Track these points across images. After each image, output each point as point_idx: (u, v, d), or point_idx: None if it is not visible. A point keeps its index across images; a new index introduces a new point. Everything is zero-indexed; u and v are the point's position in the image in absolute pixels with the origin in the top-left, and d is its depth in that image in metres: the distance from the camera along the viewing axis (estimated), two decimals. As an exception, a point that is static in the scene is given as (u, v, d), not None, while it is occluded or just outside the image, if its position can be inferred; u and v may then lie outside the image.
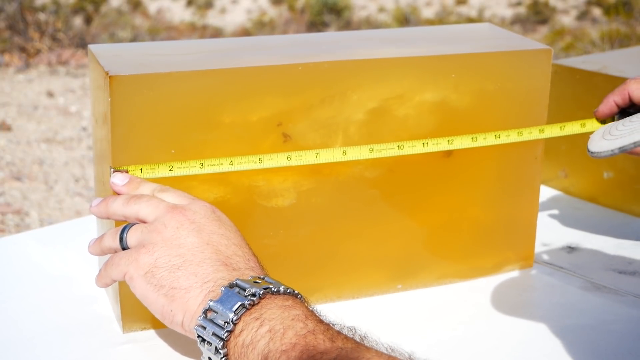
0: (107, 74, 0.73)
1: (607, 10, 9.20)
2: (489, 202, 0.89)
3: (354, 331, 0.63)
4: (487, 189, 0.89)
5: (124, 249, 0.71)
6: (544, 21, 9.50)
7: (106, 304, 0.84)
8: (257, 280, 0.65)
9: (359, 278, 0.87)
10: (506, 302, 0.87)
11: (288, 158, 0.78)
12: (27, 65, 6.03)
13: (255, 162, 0.77)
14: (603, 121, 0.88)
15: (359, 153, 0.80)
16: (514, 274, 0.92)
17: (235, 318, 0.62)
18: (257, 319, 0.62)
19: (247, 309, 0.63)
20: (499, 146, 0.87)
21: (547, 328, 0.82)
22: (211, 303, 0.64)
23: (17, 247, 0.95)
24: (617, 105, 0.87)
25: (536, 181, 0.91)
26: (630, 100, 0.86)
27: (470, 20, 9.21)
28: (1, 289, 0.87)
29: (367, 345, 0.61)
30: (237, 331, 0.62)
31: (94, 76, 0.80)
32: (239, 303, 0.63)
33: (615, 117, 0.87)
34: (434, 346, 0.79)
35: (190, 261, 0.67)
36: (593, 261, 0.95)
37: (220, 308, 0.63)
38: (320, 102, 0.80)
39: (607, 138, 0.75)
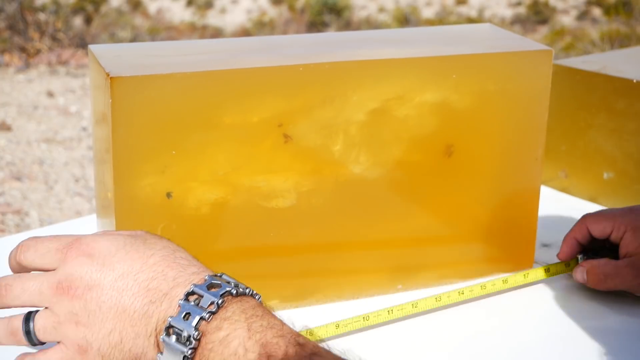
0: (108, 75, 0.73)
1: (607, 10, 9.20)
2: (489, 202, 0.89)
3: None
4: (487, 189, 0.89)
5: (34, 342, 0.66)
6: (544, 21, 9.50)
7: (106, 305, 0.83)
8: (165, 335, 0.62)
9: (359, 278, 0.87)
10: (506, 302, 0.87)
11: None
12: (27, 65, 6.03)
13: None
14: (567, 263, 0.89)
15: (325, 332, 0.78)
16: (514, 274, 0.92)
17: None
18: None
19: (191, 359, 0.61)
20: (499, 146, 0.87)
21: (546, 328, 0.82)
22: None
23: (18, 248, 0.95)
24: (579, 243, 0.88)
25: (536, 181, 0.91)
26: (590, 235, 0.87)
27: (470, 20, 9.21)
28: (1, 289, 0.87)
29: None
30: None
31: (93, 76, 0.80)
32: (182, 356, 0.61)
33: (579, 256, 0.88)
34: (433, 346, 0.79)
35: (123, 330, 0.64)
36: (593, 261, 0.95)
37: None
38: (320, 103, 0.80)
39: None
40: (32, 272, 0.68)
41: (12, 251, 0.69)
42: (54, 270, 0.66)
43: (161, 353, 0.62)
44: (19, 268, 0.68)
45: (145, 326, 0.63)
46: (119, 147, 0.74)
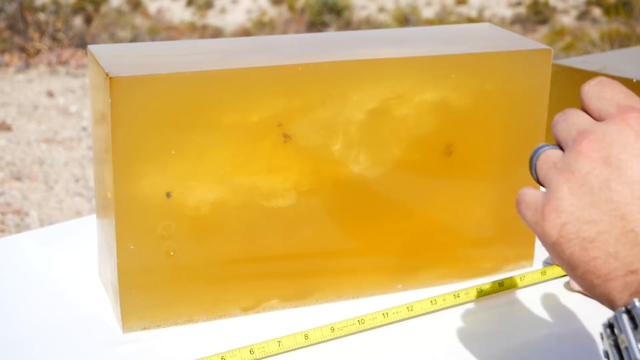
0: (107, 75, 0.73)
1: (607, 10, 9.20)
2: (489, 202, 0.89)
3: None
4: (486, 189, 0.89)
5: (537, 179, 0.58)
6: (544, 21, 9.50)
7: (106, 304, 0.84)
8: None
9: (359, 278, 0.87)
10: (506, 302, 0.87)
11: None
12: (27, 65, 6.03)
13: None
14: None
15: (321, 335, 0.78)
16: (514, 273, 0.92)
17: None
18: None
19: None
20: (500, 146, 0.87)
21: (546, 329, 0.82)
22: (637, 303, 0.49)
23: (17, 248, 0.95)
24: None
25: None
26: None
27: (470, 20, 9.21)
28: (1, 289, 0.87)
29: None
30: None
31: (93, 76, 0.80)
32: None
33: None
34: (433, 346, 0.79)
35: (606, 233, 0.51)
36: (593, 261, 0.95)
37: None
38: (320, 103, 0.80)
39: None
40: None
41: (587, 82, 0.58)
42: (600, 122, 0.55)
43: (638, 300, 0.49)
44: (580, 99, 0.58)
45: (633, 256, 0.50)
46: (119, 147, 0.74)
